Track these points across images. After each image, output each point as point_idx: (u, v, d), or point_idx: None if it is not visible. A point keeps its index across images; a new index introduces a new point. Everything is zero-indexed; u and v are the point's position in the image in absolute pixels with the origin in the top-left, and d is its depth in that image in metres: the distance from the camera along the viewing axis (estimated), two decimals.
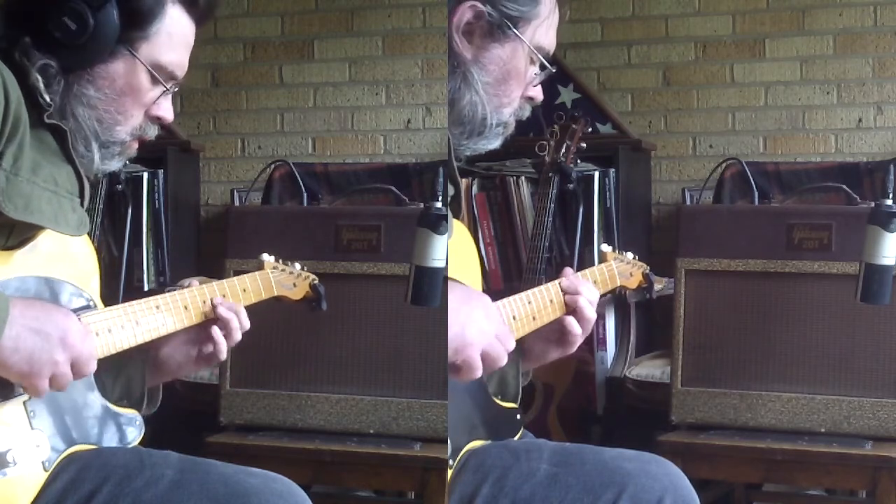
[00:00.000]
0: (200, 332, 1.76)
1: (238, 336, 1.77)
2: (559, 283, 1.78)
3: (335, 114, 3.99)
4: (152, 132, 1.65)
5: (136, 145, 1.64)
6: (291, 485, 1.58)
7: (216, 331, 1.75)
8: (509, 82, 1.69)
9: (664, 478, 1.67)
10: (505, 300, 1.69)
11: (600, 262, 1.94)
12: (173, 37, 1.60)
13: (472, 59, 1.66)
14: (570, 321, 1.76)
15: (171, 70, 1.62)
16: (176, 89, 1.64)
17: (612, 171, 3.57)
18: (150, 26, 1.58)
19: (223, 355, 1.77)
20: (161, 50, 1.59)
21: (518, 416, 1.82)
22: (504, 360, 1.64)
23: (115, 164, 1.63)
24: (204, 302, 1.76)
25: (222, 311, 1.75)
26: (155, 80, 1.60)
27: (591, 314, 1.77)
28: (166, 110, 1.64)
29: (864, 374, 2.70)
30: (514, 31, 1.66)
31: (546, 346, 1.81)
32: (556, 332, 1.79)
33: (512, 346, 1.65)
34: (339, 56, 3.98)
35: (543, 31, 1.70)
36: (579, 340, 1.79)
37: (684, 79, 3.92)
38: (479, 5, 1.65)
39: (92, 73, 1.56)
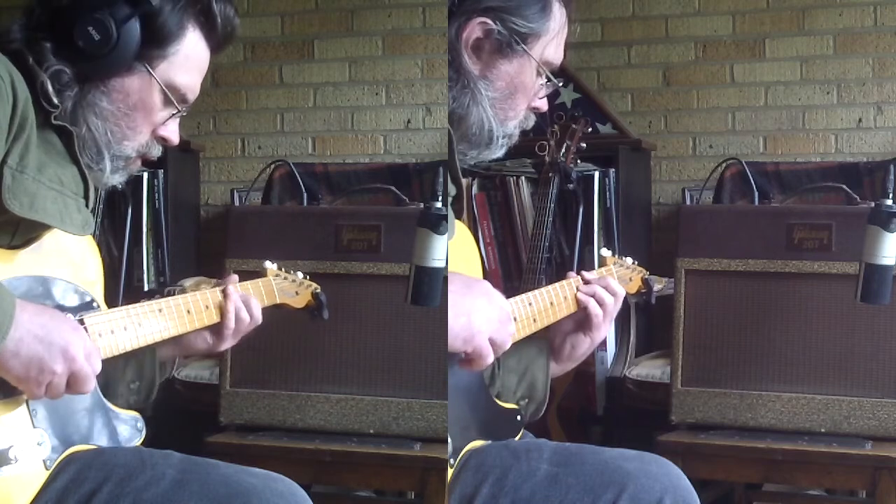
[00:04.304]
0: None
1: (244, 318, 1.84)
2: (566, 285, 1.81)
3: (335, 114, 4.00)
4: (156, 151, 1.67)
5: (139, 162, 1.66)
6: (292, 484, 1.59)
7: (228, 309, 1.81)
8: (516, 97, 1.70)
9: (664, 478, 1.67)
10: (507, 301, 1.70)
11: (600, 266, 1.94)
12: (189, 60, 1.63)
13: (479, 75, 1.66)
14: (591, 304, 1.81)
15: (184, 92, 1.64)
16: (185, 113, 1.66)
17: (612, 171, 3.57)
18: (170, 47, 1.60)
19: (228, 333, 1.83)
20: (177, 71, 1.62)
21: (518, 418, 1.83)
22: (508, 344, 1.65)
23: (117, 179, 1.64)
24: (207, 307, 1.77)
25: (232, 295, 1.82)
26: (167, 101, 1.62)
27: (609, 299, 1.83)
28: (173, 132, 1.67)
29: (864, 374, 2.70)
30: (524, 47, 1.67)
31: (575, 338, 1.85)
32: (581, 320, 1.83)
33: (513, 329, 1.67)
34: (339, 56, 3.98)
35: (553, 47, 1.71)
36: (604, 324, 1.83)
37: (684, 79, 3.92)
38: (489, 22, 1.65)
39: (107, 85, 1.58)
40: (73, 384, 1.50)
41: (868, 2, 3.71)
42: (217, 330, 1.82)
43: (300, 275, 2.09)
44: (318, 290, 2.10)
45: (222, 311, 1.81)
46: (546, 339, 1.85)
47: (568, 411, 3.50)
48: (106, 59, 1.55)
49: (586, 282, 1.84)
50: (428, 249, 1.77)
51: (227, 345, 1.84)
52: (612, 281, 1.85)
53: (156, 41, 1.58)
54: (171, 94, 1.62)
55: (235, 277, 1.86)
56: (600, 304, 1.82)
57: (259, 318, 1.86)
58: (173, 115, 1.64)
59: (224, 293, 1.81)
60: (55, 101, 1.53)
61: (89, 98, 1.57)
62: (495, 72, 1.68)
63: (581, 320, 1.83)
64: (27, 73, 1.50)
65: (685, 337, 2.85)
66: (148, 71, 1.59)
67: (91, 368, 1.51)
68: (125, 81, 1.58)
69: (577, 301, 1.82)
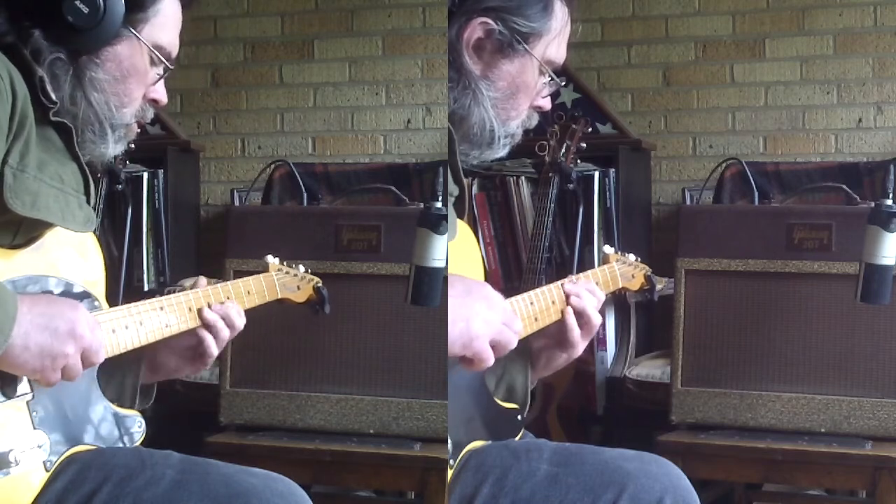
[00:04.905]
0: (194, 334, 1.75)
1: (226, 337, 1.76)
2: (562, 286, 1.78)
3: (335, 114, 4.00)
4: (149, 114, 1.70)
5: (136, 128, 1.68)
6: (292, 484, 1.59)
7: (204, 333, 1.74)
8: (518, 96, 1.69)
9: (664, 478, 1.67)
10: (507, 301, 1.69)
11: (602, 263, 1.94)
12: (168, 18, 1.66)
13: (480, 75, 1.66)
14: (570, 321, 1.76)
15: (169, 51, 1.67)
16: (172, 67, 1.69)
17: (612, 171, 3.58)
18: (150, 8, 1.63)
19: (210, 358, 1.77)
20: (159, 31, 1.64)
21: (519, 417, 1.82)
22: (514, 344, 1.64)
23: (119, 148, 1.66)
24: (209, 304, 1.76)
25: (207, 314, 1.74)
26: (153, 62, 1.65)
27: (595, 319, 1.77)
28: (161, 93, 1.70)
29: (863, 374, 2.70)
30: (525, 47, 1.67)
31: (551, 353, 1.81)
32: (558, 336, 1.78)
33: (519, 327, 1.65)
34: (339, 56, 3.98)
35: (555, 45, 1.71)
36: (580, 343, 1.78)
37: (684, 79, 3.92)
38: (490, 22, 1.65)
39: (100, 57, 1.60)
40: (85, 360, 1.51)
41: (868, 2, 3.70)
42: (196, 356, 1.76)
43: (302, 269, 2.08)
44: (320, 285, 2.10)
45: (199, 337, 1.74)
46: (526, 343, 1.83)
47: (568, 411, 3.50)
48: (95, 29, 1.57)
49: (569, 293, 1.78)
50: (428, 249, 1.77)
51: (208, 366, 1.79)
52: (590, 297, 1.79)
53: (137, 4, 1.61)
54: (159, 54, 1.65)
55: (206, 288, 1.78)
56: (582, 325, 1.77)
57: (240, 325, 1.78)
58: (161, 75, 1.67)
59: (200, 316, 1.74)
60: (53, 97, 1.54)
61: (87, 74, 1.58)
62: (497, 72, 1.67)
63: (559, 337, 1.80)
64: (24, 69, 1.51)
65: (685, 337, 2.85)
66: (135, 35, 1.61)
67: (99, 340, 1.53)
68: (116, 49, 1.60)
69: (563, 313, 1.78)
